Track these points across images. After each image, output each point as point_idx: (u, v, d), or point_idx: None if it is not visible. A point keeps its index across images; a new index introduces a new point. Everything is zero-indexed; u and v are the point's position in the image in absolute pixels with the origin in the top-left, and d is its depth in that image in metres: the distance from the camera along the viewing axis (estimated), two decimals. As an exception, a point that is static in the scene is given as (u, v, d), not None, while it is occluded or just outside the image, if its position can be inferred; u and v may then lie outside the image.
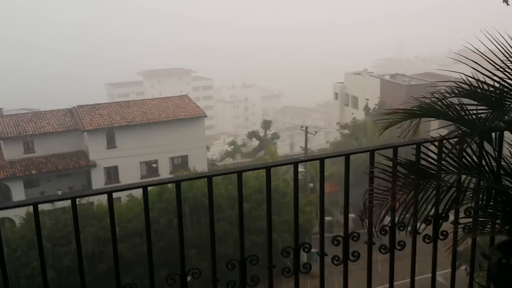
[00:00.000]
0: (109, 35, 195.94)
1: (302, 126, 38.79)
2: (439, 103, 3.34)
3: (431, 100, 3.35)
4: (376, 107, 44.82)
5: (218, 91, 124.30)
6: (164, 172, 38.74)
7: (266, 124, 50.86)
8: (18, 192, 36.32)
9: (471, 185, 3.32)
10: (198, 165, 38.23)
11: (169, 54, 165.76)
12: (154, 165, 40.92)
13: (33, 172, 36.97)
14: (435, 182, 3.24)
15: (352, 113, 47.90)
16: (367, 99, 47.75)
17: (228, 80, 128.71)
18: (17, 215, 28.92)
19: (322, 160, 3.69)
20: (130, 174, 38.87)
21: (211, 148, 59.44)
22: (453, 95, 3.31)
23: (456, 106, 3.35)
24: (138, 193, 30.79)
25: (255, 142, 51.31)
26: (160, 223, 25.59)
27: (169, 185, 27.87)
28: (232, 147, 52.05)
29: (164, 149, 39.44)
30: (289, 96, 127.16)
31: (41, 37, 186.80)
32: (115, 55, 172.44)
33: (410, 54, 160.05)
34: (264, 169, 3.50)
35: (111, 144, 39.17)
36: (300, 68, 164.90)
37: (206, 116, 42.79)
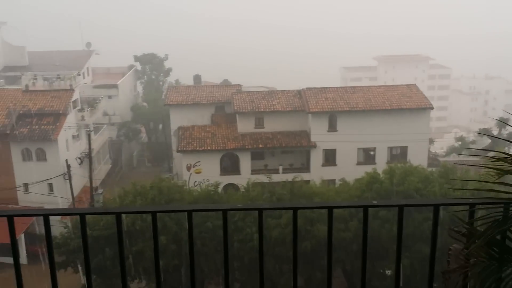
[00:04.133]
0: (349, 21, 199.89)
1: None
2: None
3: None
4: None
5: (456, 81, 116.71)
6: (381, 161, 38.28)
7: (502, 122, 46.12)
8: (245, 163, 40.03)
9: None
10: (417, 158, 36.87)
11: (408, 40, 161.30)
12: (371, 153, 40.77)
13: (260, 146, 40.23)
14: None
15: None
16: None
17: (469, 70, 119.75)
18: (240, 183, 31.97)
19: (366, 208, 3.03)
20: (346, 159, 39.55)
21: (438, 141, 56.60)
22: None
23: None
24: (350, 178, 31.06)
25: (486, 140, 47.12)
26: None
27: (382, 175, 27.74)
28: (460, 143, 48.71)
29: (383, 138, 38.98)
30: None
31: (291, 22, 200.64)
32: (352, 40, 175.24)
33: None
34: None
35: (332, 127, 40.21)
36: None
37: (432, 108, 40.76)
